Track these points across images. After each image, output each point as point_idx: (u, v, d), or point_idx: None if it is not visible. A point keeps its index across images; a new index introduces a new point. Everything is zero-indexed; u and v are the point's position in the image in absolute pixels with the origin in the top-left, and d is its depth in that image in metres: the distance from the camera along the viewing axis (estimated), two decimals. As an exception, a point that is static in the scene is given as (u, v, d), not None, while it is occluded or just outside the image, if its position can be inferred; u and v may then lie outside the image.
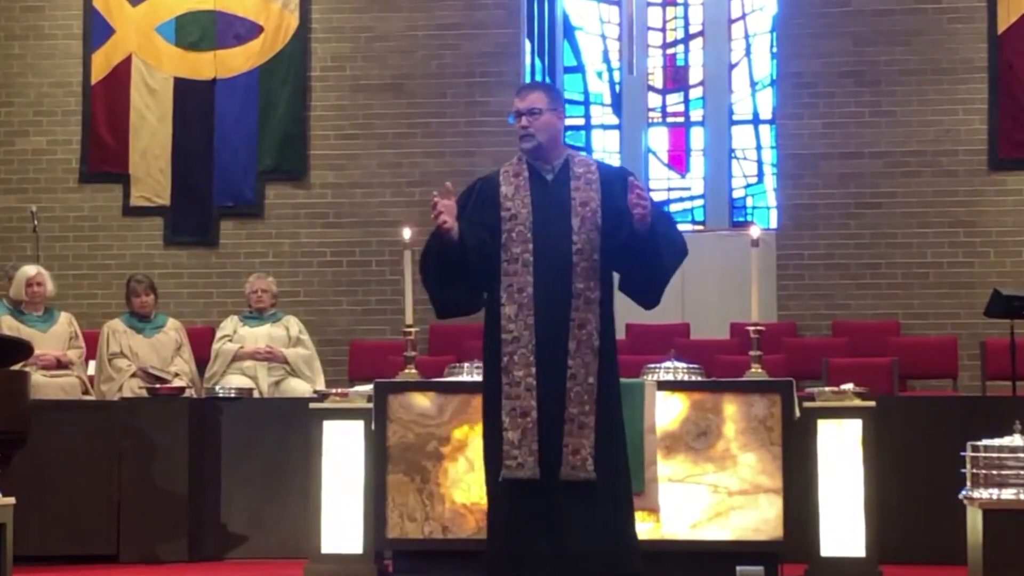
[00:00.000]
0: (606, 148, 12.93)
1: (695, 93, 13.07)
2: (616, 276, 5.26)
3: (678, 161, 13.04)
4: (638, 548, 5.16)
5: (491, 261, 5.14)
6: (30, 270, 9.05)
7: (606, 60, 13.19)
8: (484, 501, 6.63)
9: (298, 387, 9.21)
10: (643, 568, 5.12)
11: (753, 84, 12.89)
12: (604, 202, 5.13)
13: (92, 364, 9.28)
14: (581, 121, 12.91)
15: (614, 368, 5.17)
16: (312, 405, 7.18)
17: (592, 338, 5.07)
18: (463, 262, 5.09)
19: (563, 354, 5.05)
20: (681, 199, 13.01)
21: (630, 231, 5.03)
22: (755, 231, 7.07)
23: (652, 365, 6.92)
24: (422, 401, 6.84)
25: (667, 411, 6.73)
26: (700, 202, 12.91)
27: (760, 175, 12.85)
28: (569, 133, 12.75)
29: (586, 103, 13.06)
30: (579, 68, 13.20)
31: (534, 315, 5.06)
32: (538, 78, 12.19)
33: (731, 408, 6.73)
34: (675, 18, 13.17)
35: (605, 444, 5.06)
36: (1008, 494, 5.83)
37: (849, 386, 6.95)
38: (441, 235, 5.05)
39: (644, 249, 5.06)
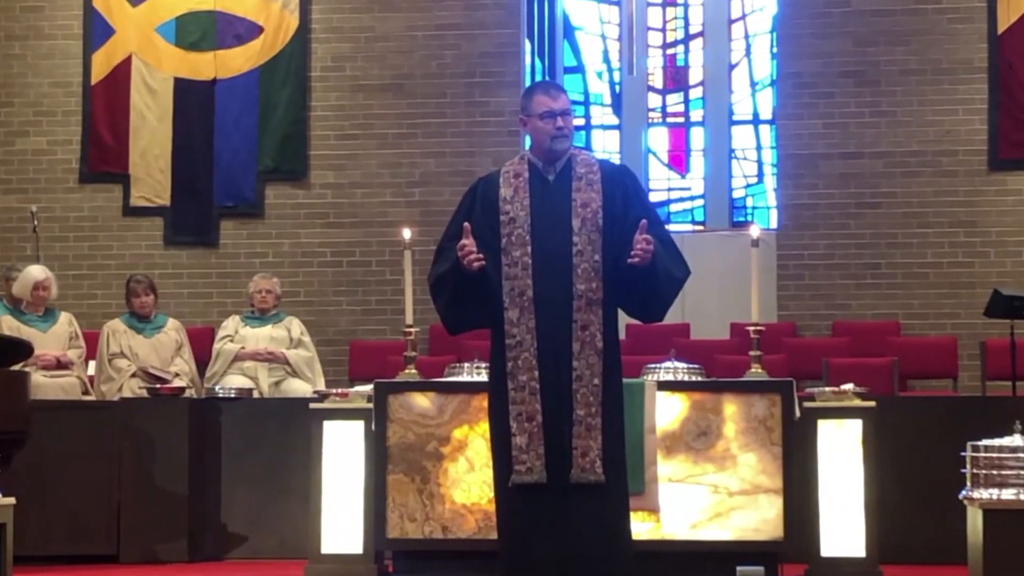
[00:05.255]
0: (606, 148, 12.93)
1: (695, 93, 13.07)
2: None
3: (678, 161, 13.04)
4: (632, 550, 5.14)
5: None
6: (38, 274, 8.99)
7: (606, 60, 13.19)
8: (484, 501, 6.69)
9: (298, 387, 9.22)
10: (637, 570, 5.10)
11: (753, 84, 12.90)
12: (606, 204, 5.09)
13: (92, 364, 9.28)
14: (581, 121, 12.91)
15: (617, 368, 5.15)
16: (312, 405, 7.18)
17: (596, 339, 5.03)
18: (482, 289, 5.07)
19: (567, 356, 5.01)
20: (681, 199, 13.01)
21: (628, 268, 4.98)
22: (755, 231, 7.07)
23: (652, 365, 6.93)
24: (422, 401, 6.84)
25: (667, 411, 6.73)
26: (700, 202, 12.91)
27: (760, 175, 12.85)
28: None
29: (586, 103, 13.06)
30: (579, 68, 13.20)
31: (535, 318, 5.04)
32: (538, 78, 12.19)
33: (731, 408, 6.73)
34: (675, 18, 13.17)
35: (610, 445, 5.05)
36: (1008, 494, 5.83)
37: (849, 386, 6.95)
38: (463, 268, 5.01)
39: (642, 284, 5.03)
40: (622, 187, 5.15)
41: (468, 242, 4.99)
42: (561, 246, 5.05)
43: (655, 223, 5.10)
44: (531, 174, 5.16)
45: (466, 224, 5.05)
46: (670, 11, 13.15)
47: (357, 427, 6.96)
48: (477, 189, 5.25)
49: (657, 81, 13.14)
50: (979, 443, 5.95)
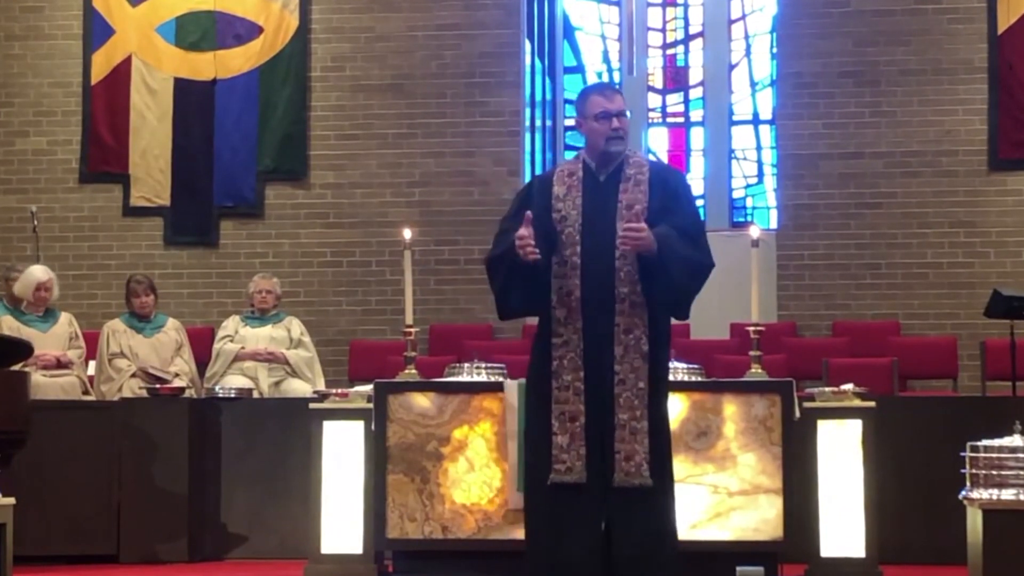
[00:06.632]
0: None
1: (695, 93, 13.08)
2: None
3: (678, 161, 13.05)
4: (678, 553, 5.11)
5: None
6: (41, 275, 8.97)
7: (606, 60, 13.19)
8: (484, 502, 6.69)
9: (298, 387, 9.22)
10: (682, 572, 5.08)
11: (753, 84, 12.90)
12: (652, 204, 5.03)
13: (92, 364, 9.28)
14: (582, 121, 12.90)
15: (664, 372, 5.10)
16: (312, 405, 7.18)
17: (641, 342, 4.97)
18: (534, 276, 5.03)
19: (610, 359, 4.97)
20: (681, 199, 13.00)
21: (644, 260, 4.95)
22: (755, 231, 7.08)
23: (652, 365, 6.91)
24: (422, 401, 6.84)
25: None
26: (700, 202, 12.91)
27: (760, 175, 12.86)
28: (569, 134, 12.76)
29: (586, 103, 13.04)
30: (579, 68, 13.20)
31: (582, 319, 5.00)
32: (538, 78, 12.20)
33: (731, 408, 6.73)
34: (675, 18, 13.18)
35: (656, 449, 4.99)
36: (1008, 494, 5.83)
37: (849, 386, 6.95)
38: (516, 256, 4.93)
39: (658, 274, 4.96)
40: (664, 186, 5.10)
41: (527, 233, 4.91)
42: (607, 247, 5.01)
43: (687, 217, 5.07)
44: (584, 174, 5.13)
45: (528, 212, 4.97)
46: (670, 11, 13.16)
47: (357, 427, 6.96)
48: (533, 186, 5.24)
49: (657, 81, 13.15)
50: (979, 443, 5.95)
